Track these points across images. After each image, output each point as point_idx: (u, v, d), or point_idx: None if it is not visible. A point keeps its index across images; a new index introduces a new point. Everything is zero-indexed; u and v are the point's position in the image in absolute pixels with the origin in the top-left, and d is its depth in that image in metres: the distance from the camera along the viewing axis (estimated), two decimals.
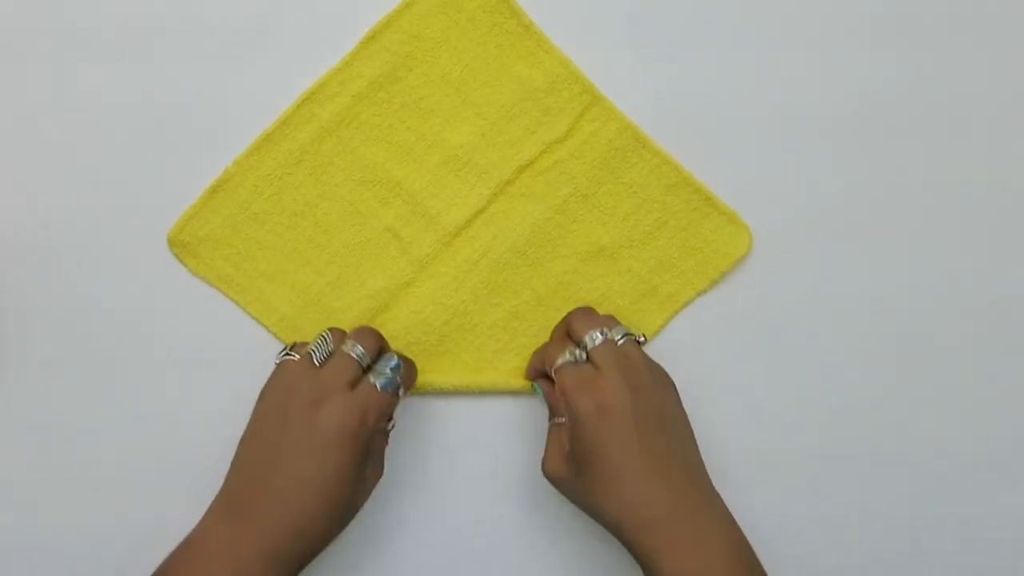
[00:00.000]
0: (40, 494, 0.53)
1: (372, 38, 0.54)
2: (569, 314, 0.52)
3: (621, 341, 0.49)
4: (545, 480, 0.49)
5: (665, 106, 0.55)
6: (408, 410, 0.54)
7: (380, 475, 0.50)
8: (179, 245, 0.54)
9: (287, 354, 0.48)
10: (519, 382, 0.54)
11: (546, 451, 0.50)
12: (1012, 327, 0.56)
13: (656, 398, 0.48)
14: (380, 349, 0.50)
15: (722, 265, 0.54)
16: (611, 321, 0.51)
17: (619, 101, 0.55)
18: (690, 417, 0.49)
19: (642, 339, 0.51)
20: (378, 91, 0.54)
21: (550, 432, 0.50)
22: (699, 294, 0.55)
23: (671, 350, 0.53)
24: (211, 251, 0.54)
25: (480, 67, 0.54)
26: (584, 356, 0.49)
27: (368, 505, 0.49)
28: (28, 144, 0.54)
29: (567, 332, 0.51)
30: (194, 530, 0.46)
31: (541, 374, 0.52)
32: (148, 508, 0.52)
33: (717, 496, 0.48)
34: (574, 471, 0.48)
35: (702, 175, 0.55)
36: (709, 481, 0.48)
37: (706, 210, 0.54)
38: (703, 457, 0.49)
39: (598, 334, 0.49)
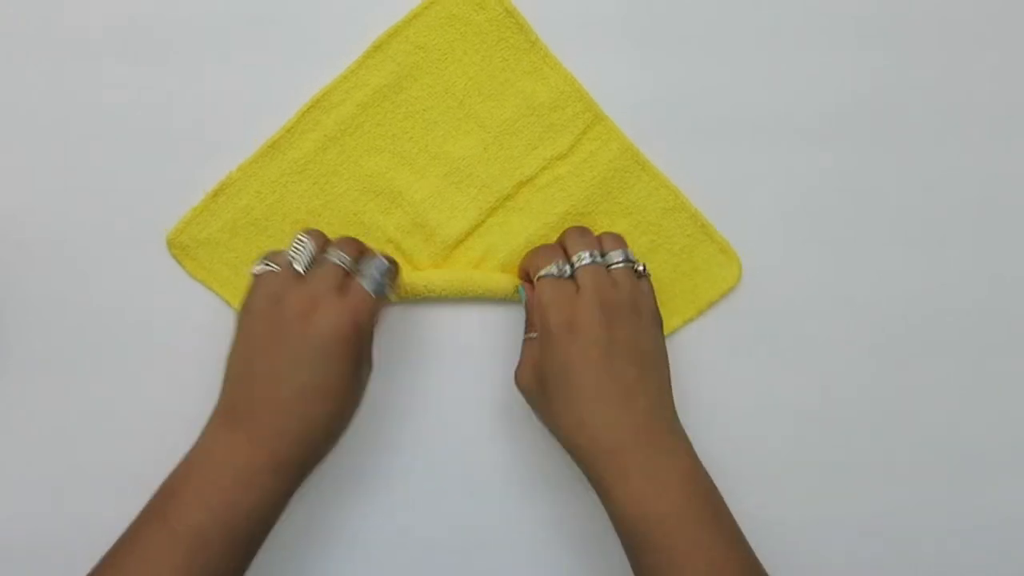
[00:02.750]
0: (38, 493, 0.53)
1: (378, 47, 0.54)
2: (566, 231, 0.52)
3: (616, 266, 0.49)
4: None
5: (664, 112, 0.56)
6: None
7: (370, 372, 0.49)
8: (178, 247, 0.54)
9: (266, 264, 0.47)
10: (504, 286, 0.54)
11: (519, 362, 0.50)
12: (1005, 346, 0.57)
13: (632, 330, 0.47)
14: (361, 252, 0.49)
15: (710, 295, 0.55)
16: (613, 242, 0.50)
17: (621, 104, 0.55)
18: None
19: (641, 267, 0.50)
20: (383, 101, 0.54)
21: (524, 344, 0.51)
22: (686, 322, 0.56)
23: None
24: (210, 254, 0.54)
25: (485, 80, 0.54)
26: (569, 271, 0.49)
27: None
28: (32, 143, 0.54)
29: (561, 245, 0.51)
30: (195, 447, 0.46)
31: (527, 278, 0.52)
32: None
33: (681, 434, 0.48)
34: (541, 387, 0.48)
35: (701, 186, 0.56)
36: (674, 419, 0.48)
37: (700, 237, 0.55)
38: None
39: (587, 255, 0.49)
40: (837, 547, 0.56)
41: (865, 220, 0.57)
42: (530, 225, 0.55)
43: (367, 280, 0.47)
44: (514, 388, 0.50)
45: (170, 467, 0.49)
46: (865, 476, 0.56)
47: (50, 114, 0.53)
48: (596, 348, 0.46)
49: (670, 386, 0.49)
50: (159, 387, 0.54)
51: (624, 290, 0.48)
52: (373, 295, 0.47)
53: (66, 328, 0.54)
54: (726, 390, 0.56)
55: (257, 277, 0.48)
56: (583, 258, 0.49)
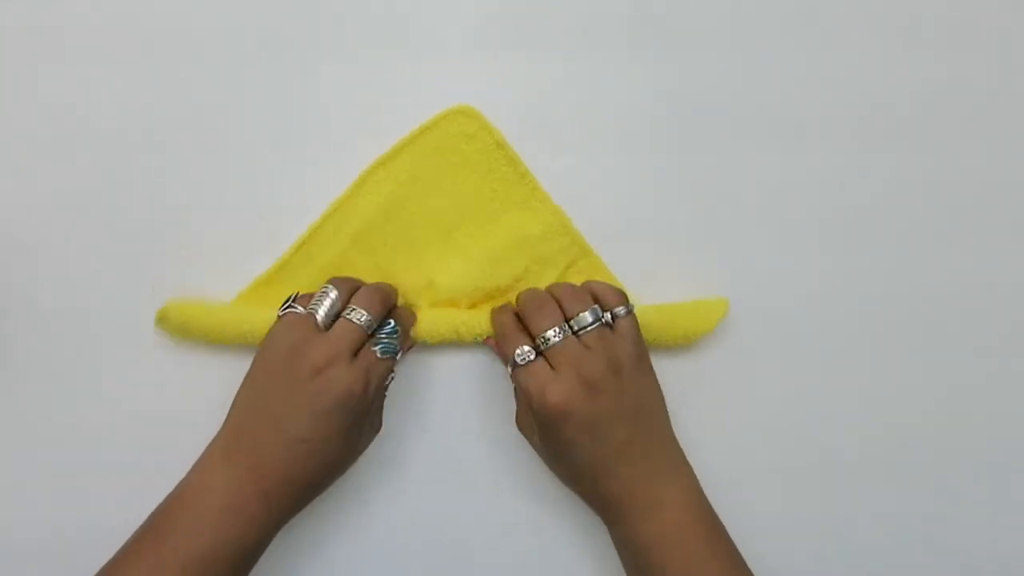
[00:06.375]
0: (35, 497, 0.55)
1: (366, 178, 0.54)
2: (523, 300, 0.51)
3: (586, 331, 0.48)
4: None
5: (663, 114, 0.57)
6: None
7: (378, 431, 0.52)
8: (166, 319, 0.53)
9: (290, 306, 0.49)
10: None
11: (518, 409, 0.52)
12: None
13: (615, 394, 0.47)
14: (386, 307, 0.50)
15: None
16: (576, 302, 0.49)
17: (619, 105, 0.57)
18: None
19: (607, 317, 0.49)
20: (370, 231, 0.54)
21: (516, 392, 0.53)
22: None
23: None
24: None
25: (473, 211, 0.55)
26: (532, 357, 0.48)
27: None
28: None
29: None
30: (191, 472, 0.47)
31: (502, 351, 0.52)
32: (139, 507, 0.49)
33: (677, 465, 0.49)
34: (539, 444, 0.50)
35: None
36: (674, 450, 0.50)
37: None
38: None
39: (552, 333, 0.48)
40: (838, 548, 0.57)
41: (866, 225, 0.58)
42: None
43: (377, 344, 0.48)
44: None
45: (168, 474, 0.48)
46: (866, 480, 0.57)
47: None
48: (583, 426, 0.47)
49: (664, 419, 0.50)
50: (159, 393, 0.55)
51: (600, 357, 0.47)
52: (381, 357, 0.48)
53: (64, 330, 0.55)
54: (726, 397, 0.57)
55: (280, 319, 0.49)
56: (550, 339, 0.48)
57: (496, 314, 0.53)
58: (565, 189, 0.56)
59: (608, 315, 0.49)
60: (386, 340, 0.49)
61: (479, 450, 0.56)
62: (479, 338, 0.54)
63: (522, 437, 0.54)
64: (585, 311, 0.49)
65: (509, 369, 0.49)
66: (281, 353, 0.47)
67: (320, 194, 0.55)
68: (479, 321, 0.54)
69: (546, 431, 0.48)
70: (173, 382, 0.55)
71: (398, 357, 0.50)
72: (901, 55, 0.58)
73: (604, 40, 0.57)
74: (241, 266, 0.55)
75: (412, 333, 0.54)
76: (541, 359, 0.48)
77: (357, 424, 0.48)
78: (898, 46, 0.58)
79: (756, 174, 0.57)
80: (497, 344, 0.52)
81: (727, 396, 0.57)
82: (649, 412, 0.49)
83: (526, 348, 0.48)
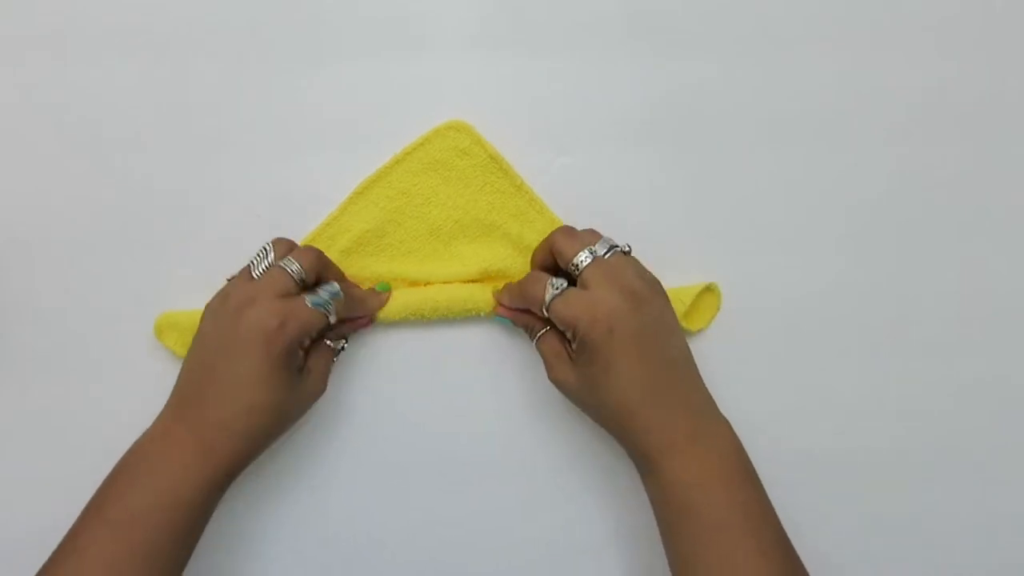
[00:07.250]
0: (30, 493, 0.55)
1: (361, 193, 0.54)
2: (551, 236, 0.51)
3: (609, 255, 0.49)
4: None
5: (664, 114, 0.57)
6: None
7: (320, 392, 0.51)
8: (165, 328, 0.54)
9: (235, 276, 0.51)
10: (474, 302, 0.54)
11: (546, 362, 0.51)
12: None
13: (655, 308, 0.48)
14: (323, 271, 0.51)
15: None
16: (593, 236, 0.50)
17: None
18: None
19: (627, 248, 0.50)
20: (366, 245, 0.54)
21: (540, 344, 0.51)
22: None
23: None
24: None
25: (470, 224, 0.54)
26: (564, 284, 0.49)
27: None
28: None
29: (550, 256, 0.51)
30: (145, 432, 0.48)
31: (516, 311, 0.53)
32: None
33: (711, 398, 0.49)
34: (580, 378, 0.49)
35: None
36: (703, 384, 0.49)
37: None
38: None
39: (585, 254, 0.49)
40: (838, 545, 0.57)
41: (866, 224, 0.58)
42: None
43: (312, 296, 0.49)
44: (537, 386, 0.53)
45: None
46: (866, 474, 0.57)
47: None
48: (634, 339, 0.47)
49: (690, 351, 0.49)
50: (158, 392, 0.53)
51: (630, 270, 0.48)
52: (309, 306, 0.48)
53: (64, 330, 0.55)
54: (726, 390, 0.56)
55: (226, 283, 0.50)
56: (583, 258, 0.48)
57: (511, 282, 0.53)
58: (564, 189, 0.56)
59: (626, 245, 0.50)
60: (323, 296, 0.49)
61: (479, 440, 0.56)
62: (488, 307, 0.54)
63: (529, 417, 0.54)
64: (600, 241, 0.49)
65: (545, 307, 0.49)
66: (215, 305, 0.49)
67: (320, 193, 0.55)
68: (489, 294, 0.54)
69: (593, 354, 0.47)
70: (172, 381, 0.53)
71: (332, 319, 0.49)
72: (901, 55, 0.57)
73: (604, 40, 0.56)
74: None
75: (427, 306, 0.53)
76: (574, 288, 0.48)
77: (282, 369, 0.47)
78: (898, 46, 0.57)
79: (756, 174, 0.57)
80: (524, 291, 0.51)
81: (724, 396, 0.55)
82: (681, 337, 0.49)
83: (555, 281, 0.49)
